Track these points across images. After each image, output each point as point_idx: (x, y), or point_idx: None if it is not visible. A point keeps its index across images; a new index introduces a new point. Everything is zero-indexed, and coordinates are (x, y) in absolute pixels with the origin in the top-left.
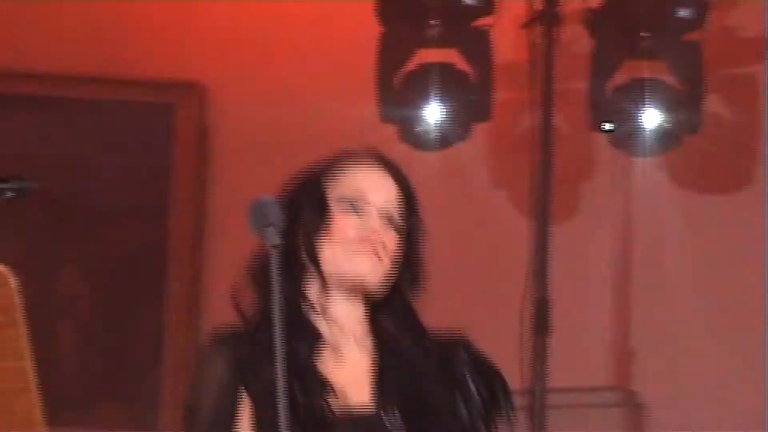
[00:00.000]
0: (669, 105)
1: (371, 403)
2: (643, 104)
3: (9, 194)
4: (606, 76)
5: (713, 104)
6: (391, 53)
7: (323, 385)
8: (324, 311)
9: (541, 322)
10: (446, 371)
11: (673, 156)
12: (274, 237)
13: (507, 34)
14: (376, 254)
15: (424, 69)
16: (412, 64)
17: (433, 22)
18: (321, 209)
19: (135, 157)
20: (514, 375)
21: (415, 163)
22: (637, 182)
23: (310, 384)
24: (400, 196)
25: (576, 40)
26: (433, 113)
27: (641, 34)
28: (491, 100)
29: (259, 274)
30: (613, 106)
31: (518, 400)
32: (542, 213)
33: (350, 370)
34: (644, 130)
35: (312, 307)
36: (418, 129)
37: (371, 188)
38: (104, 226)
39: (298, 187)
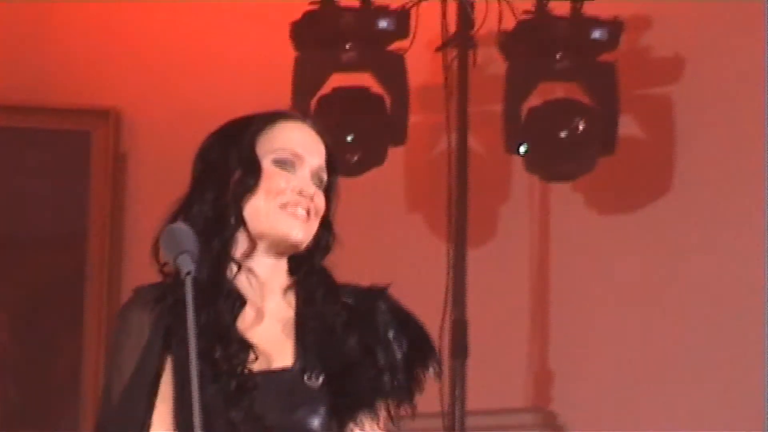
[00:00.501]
0: (584, 126)
1: (292, 362)
2: (558, 126)
3: None
4: (521, 98)
5: (627, 125)
6: (306, 77)
7: (244, 347)
8: (249, 271)
9: (459, 344)
10: (366, 324)
11: (589, 178)
12: (187, 264)
13: (421, 58)
14: (308, 212)
15: (339, 93)
16: (327, 88)
17: (347, 46)
18: (253, 166)
19: (51, 185)
20: (433, 397)
21: None
22: (553, 205)
23: (231, 346)
24: (326, 157)
25: (490, 62)
26: (349, 137)
27: (556, 55)
28: (406, 123)
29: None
30: (528, 128)
31: (438, 422)
32: (459, 236)
33: (272, 329)
34: (559, 152)
35: (236, 267)
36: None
37: (306, 148)
38: (20, 253)
39: (226, 142)
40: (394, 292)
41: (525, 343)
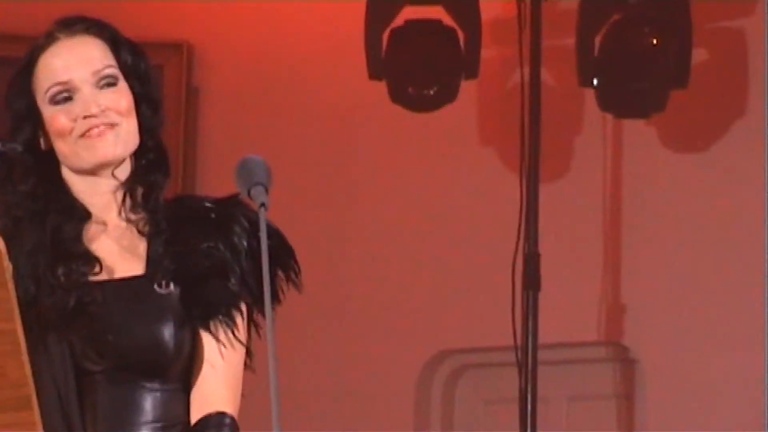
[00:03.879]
0: (657, 61)
1: (143, 273)
2: (631, 61)
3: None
4: (594, 31)
5: (700, 57)
6: (378, 9)
7: (89, 259)
8: (84, 188)
9: (531, 278)
10: (222, 232)
11: (663, 114)
12: (261, 195)
13: None
14: (110, 124)
15: (411, 26)
16: (398, 21)
17: None
18: (32, 117)
19: None
20: (506, 331)
21: (406, 122)
22: (626, 138)
23: (75, 260)
24: (107, 45)
25: None
26: (422, 71)
27: None
28: (479, 56)
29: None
30: (601, 62)
31: (510, 357)
32: (532, 170)
33: (120, 239)
34: (632, 87)
35: (72, 187)
36: (409, 88)
37: (70, 68)
38: None
39: (15, 92)
40: (468, 225)
41: (597, 277)
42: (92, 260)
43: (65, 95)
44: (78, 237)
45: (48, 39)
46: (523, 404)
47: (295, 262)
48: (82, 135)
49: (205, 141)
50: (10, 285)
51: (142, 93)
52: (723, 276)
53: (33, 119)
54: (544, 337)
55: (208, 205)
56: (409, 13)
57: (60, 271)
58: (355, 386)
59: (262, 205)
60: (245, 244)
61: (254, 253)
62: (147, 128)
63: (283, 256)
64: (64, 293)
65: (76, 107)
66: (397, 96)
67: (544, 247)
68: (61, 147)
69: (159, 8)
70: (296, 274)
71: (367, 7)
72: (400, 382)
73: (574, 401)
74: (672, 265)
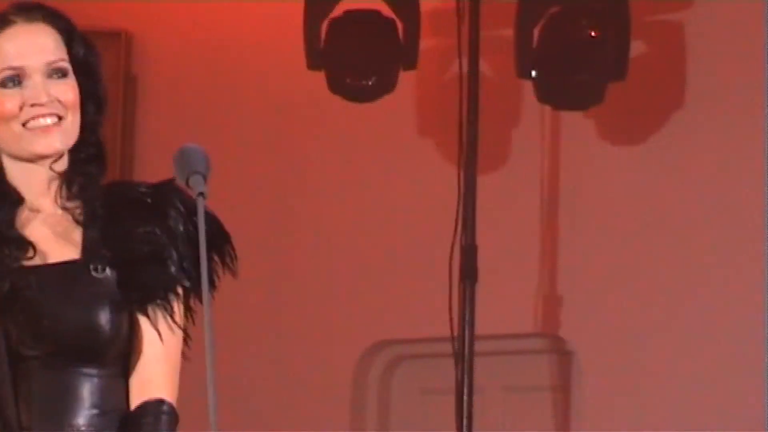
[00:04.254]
0: (595, 52)
1: (78, 258)
2: (569, 52)
3: None
4: (533, 22)
5: (638, 50)
6: (317, 1)
7: (21, 244)
8: (19, 175)
9: (468, 269)
10: (158, 217)
11: (601, 106)
12: (200, 184)
13: None
14: (57, 116)
15: (351, 16)
16: (337, 12)
17: None
18: None
19: None
20: (443, 322)
21: (344, 112)
22: (564, 130)
23: (7, 245)
24: (60, 37)
25: None
26: (361, 61)
27: None
28: (418, 47)
29: None
30: (539, 54)
31: (447, 348)
32: (470, 161)
33: (54, 224)
34: (570, 79)
35: (6, 172)
36: (347, 78)
37: (23, 53)
38: None
39: None
40: (406, 216)
41: (534, 269)
42: (25, 245)
43: (15, 80)
44: (10, 222)
45: (3, 22)
46: (460, 395)
47: (232, 247)
48: (26, 123)
49: (142, 130)
50: None
51: (88, 89)
52: (658, 267)
53: None
54: (481, 329)
55: (143, 190)
56: (348, 4)
57: None
58: (292, 376)
59: (201, 194)
60: (181, 228)
61: (191, 238)
62: (89, 124)
63: (220, 241)
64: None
65: (24, 93)
66: (336, 86)
67: (482, 238)
68: (2, 131)
69: None
70: (232, 260)
71: None
72: (336, 373)
73: (511, 392)
74: (608, 257)
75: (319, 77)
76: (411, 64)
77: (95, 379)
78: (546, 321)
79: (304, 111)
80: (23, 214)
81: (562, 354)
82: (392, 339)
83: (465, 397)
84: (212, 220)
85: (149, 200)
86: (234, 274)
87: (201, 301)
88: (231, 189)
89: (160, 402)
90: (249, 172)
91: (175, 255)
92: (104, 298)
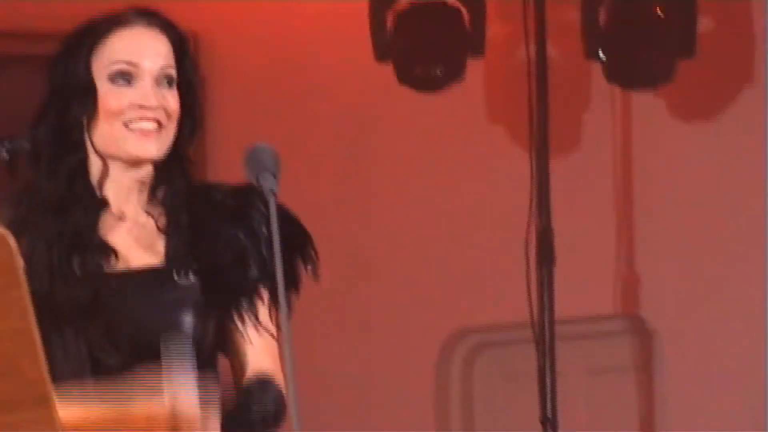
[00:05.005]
0: (662, 31)
1: (162, 261)
2: (637, 31)
3: (3, 154)
4: (598, 3)
5: (705, 27)
6: None
7: (105, 250)
8: (107, 177)
9: (545, 253)
10: (240, 220)
11: (670, 84)
12: (271, 182)
13: None
14: (158, 122)
15: (416, 7)
16: (403, 3)
17: None
18: (87, 91)
19: None
20: (521, 307)
21: (414, 103)
22: (635, 110)
23: (91, 250)
24: (172, 48)
25: None
26: (428, 51)
27: None
28: (484, 34)
29: (31, 156)
30: (607, 34)
31: (527, 333)
32: (541, 145)
33: (138, 229)
34: (638, 58)
35: (94, 176)
36: (416, 68)
37: (140, 53)
38: None
39: (65, 61)
40: (480, 203)
41: (611, 250)
42: (109, 251)
43: (127, 77)
44: (94, 227)
45: (121, 22)
46: (542, 380)
47: (313, 248)
48: (128, 124)
49: (212, 130)
50: (23, 283)
51: (188, 105)
52: (734, 243)
53: (85, 93)
54: (560, 312)
55: (224, 193)
56: None
57: (75, 262)
58: (374, 367)
59: (272, 192)
60: (264, 230)
61: (269, 238)
62: (182, 138)
63: (301, 241)
64: (80, 285)
65: (134, 93)
66: (405, 77)
67: (557, 221)
68: (104, 127)
69: None
70: (314, 262)
71: None
72: (418, 362)
73: (593, 375)
74: (685, 234)
75: (388, 69)
76: (478, 51)
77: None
78: (625, 302)
79: (375, 103)
80: (107, 220)
81: (643, 334)
82: (472, 326)
83: (548, 382)
84: (292, 221)
85: (231, 203)
86: (315, 275)
87: (280, 303)
88: (305, 185)
89: (268, 377)
90: (322, 167)
91: (258, 257)
92: (188, 304)
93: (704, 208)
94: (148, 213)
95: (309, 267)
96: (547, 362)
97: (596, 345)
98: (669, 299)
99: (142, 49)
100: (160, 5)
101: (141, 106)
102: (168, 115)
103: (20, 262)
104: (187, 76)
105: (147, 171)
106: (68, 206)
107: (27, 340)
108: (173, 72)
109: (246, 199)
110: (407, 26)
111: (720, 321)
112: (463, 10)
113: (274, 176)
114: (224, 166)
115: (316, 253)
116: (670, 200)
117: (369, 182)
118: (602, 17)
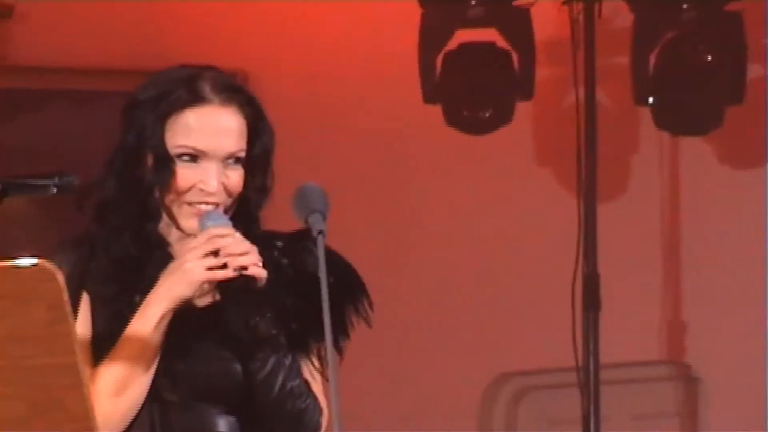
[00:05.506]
0: (711, 77)
1: (217, 301)
2: (686, 78)
3: (53, 190)
4: (648, 49)
5: (754, 73)
6: (432, 33)
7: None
8: (170, 228)
9: (591, 298)
10: (297, 266)
11: (718, 130)
12: (319, 223)
13: (547, 11)
14: (215, 204)
15: (466, 49)
16: (452, 44)
17: (473, 1)
18: (164, 163)
19: None
20: (567, 352)
21: (462, 145)
22: (683, 156)
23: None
24: (247, 126)
25: (616, 14)
26: (477, 93)
27: (682, 6)
28: (533, 78)
29: (97, 203)
30: (656, 80)
31: (572, 377)
32: (589, 189)
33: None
34: (688, 104)
35: (163, 232)
36: (464, 111)
37: (210, 140)
38: None
39: (136, 121)
40: (526, 247)
41: (657, 296)
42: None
43: (192, 156)
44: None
45: (198, 98)
46: (587, 425)
47: (368, 297)
48: (191, 203)
49: None
50: (70, 318)
51: (257, 174)
52: None
53: (162, 167)
54: (605, 357)
55: (279, 239)
56: (462, 36)
57: (137, 300)
58: (417, 410)
59: (320, 232)
60: (320, 277)
61: (330, 289)
62: (250, 204)
63: (355, 290)
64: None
65: (198, 174)
66: (452, 119)
67: (603, 266)
68: (168, 198)
69: (216, 37)
70: (367, 312)
71: (421, 31)
72: (462, 405)
73: (638, 420)
74: (731, 281)
75: (436, 111)
76: (527, 94)
77: (232, 419)
78: (671, 348)
79: (422, 145)
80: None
81: (688, 381)
82: (517, 370)
83: (592, 427)
84: (348, 269)
85: (288, 248)
86: (369, 324)
87: (337, 350)
88: (351, 225)
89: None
90: (368, 208)
91: (315, 303)
92: (240, 344)
93: (752, 255)
94: None
95: (362, 316)
96: (592, 407)
97: (641, 391)
98: (715, 346)
99: (210, 134)
100: (208, 45)
101: (203, 190)
102: (229, 195)
103: (67, 298)
104: (258, 154)
105: None
106: (142, 263)
107: (72, 375)
108: (242, 153)
109: (301, 245)
110: (456, 68)
111: (765, 369)
112: (513, 53)
113: (324, 216)
114: (272, 204)
115: (371, 304)
116: (717, 246)
117: (414, 224)
118: (652, 63)
